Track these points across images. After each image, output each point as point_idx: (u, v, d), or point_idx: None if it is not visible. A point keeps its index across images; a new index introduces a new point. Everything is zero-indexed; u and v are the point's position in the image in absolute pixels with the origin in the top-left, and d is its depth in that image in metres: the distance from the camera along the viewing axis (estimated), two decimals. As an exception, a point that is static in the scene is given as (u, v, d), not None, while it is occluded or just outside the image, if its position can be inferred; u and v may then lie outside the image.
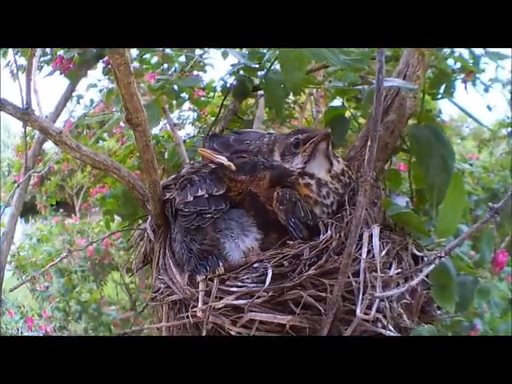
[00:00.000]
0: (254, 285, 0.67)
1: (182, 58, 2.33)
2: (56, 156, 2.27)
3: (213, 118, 2.48)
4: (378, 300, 0.62)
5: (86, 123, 2.48)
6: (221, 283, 0.69)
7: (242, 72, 1.32)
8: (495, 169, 2.93)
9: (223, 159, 0.80)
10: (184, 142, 2.12)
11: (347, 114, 1.26)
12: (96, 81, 2.51)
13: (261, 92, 1.48)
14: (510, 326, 1.21)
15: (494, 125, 3.18)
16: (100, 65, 2.08)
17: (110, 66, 2.12)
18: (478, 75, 1.79)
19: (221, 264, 0.73)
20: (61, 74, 1.92)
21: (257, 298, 0.65)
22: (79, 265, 3.36)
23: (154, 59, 2.19)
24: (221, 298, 0.68)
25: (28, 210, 3.46)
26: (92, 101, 2.87)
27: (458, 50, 1.83)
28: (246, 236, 0.74)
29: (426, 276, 0.80)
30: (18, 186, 2.02)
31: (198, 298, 0.69)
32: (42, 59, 2.05)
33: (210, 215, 0.76)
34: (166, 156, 2.61)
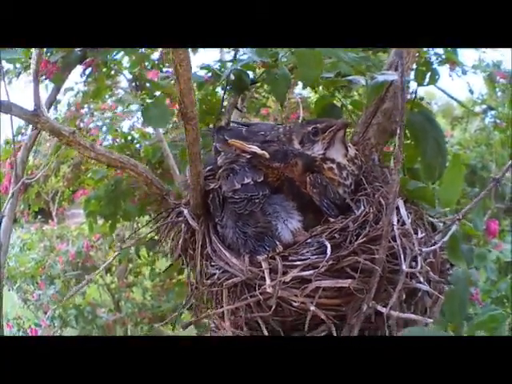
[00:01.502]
0: (315, 257, 0.77)
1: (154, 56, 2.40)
2: (47, 162, 2.29)
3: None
4: (421, 255, 0.74)
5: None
6: (283, 260, 0.79)
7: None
8: (470, 145, 3.09)
9: (256, 148, 0.88)
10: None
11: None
12: (73, 84, 2.54)
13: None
14: (509, 284, 1.35)
15: (466, 103, 3.36)
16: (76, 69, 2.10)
17: (90, 68, 2.13)
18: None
19: (278, 243, 0.81)
20: (46, 78, 1.93)
21: (321, 268, 0.74)
22: (63, 269, 3.37)
23: (126, 59, 2.24)
24: (285, 273, 0.77)
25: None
26: (69, 104, 2.88)
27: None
28: (292, 218, 0.83)
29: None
30: (13, 195, 2.03)
31: (262, 276, 0.78)
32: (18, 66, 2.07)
33: (258, 200, 0.84)
34: (142, 153, 2.67)
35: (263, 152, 0.87)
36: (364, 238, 0.76)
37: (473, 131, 3.23)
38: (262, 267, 0.79)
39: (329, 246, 0.75)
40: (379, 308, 0.72)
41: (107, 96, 2.96)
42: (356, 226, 0.78)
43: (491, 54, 2.28)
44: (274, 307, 0.76)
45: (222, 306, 0.83)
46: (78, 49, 1.86)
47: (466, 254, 1.40)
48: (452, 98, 1.27)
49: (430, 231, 0.89)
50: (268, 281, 0.76)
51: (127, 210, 2.48)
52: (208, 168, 0.96)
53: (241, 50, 1.33)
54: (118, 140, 2.81)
